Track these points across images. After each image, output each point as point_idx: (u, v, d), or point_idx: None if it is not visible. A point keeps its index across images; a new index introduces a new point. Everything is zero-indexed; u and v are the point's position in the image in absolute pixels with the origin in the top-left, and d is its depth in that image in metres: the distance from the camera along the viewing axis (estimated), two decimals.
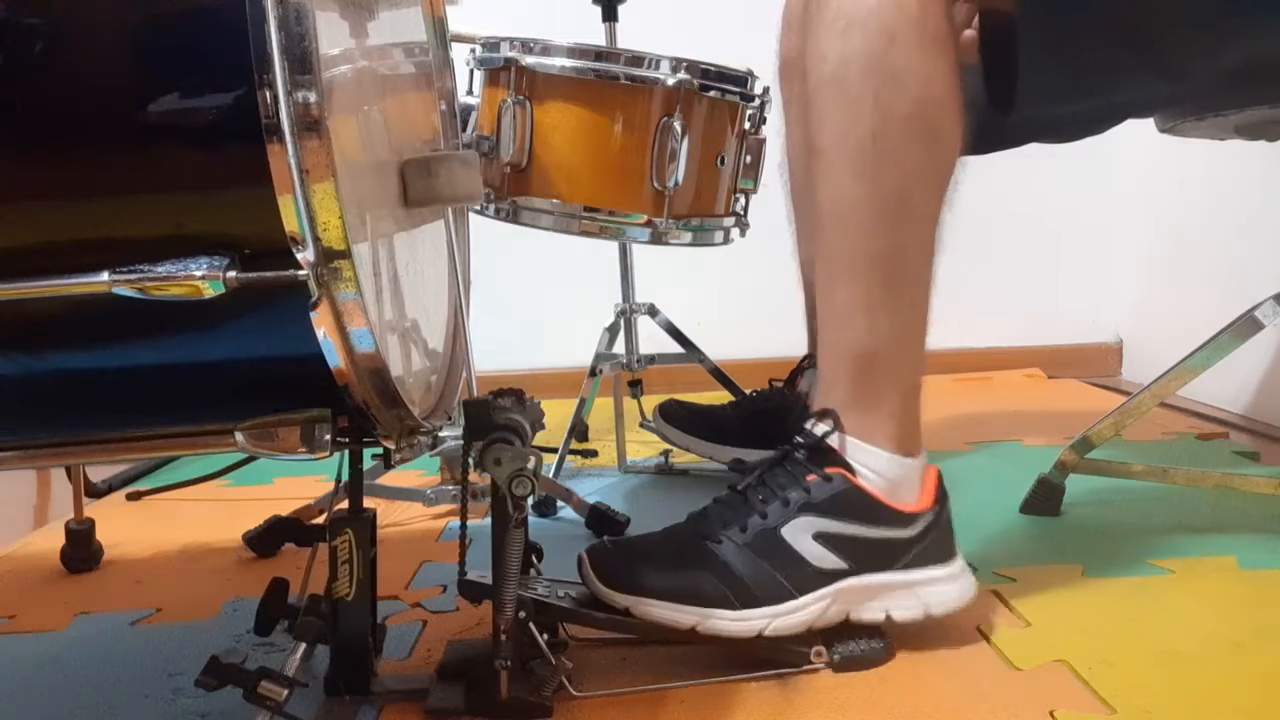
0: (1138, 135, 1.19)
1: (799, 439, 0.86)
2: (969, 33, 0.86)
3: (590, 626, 0.83)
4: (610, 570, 0.83)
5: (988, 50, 0.87)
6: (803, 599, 0.82)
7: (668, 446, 1.46)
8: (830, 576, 0.83)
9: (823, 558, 0.82)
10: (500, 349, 2.18)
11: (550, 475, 1.36)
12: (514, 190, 1.21)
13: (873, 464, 0.84)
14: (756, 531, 0.83)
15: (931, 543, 0.85)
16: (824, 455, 0.84)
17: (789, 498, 0.83)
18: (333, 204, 0.56)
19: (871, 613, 0.83)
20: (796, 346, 1.42)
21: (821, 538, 0.82)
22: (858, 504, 0.83)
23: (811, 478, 0.83)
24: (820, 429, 0.85)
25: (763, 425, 1.37)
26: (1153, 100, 1.03)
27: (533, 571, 0.85)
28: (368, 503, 0.79)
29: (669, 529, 0.88)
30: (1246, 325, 1.12)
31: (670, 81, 1.17)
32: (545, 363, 2.13)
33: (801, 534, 0.82)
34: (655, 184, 1.19)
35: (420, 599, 1.01)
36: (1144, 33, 0.88)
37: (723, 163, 1.26)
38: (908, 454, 0.85)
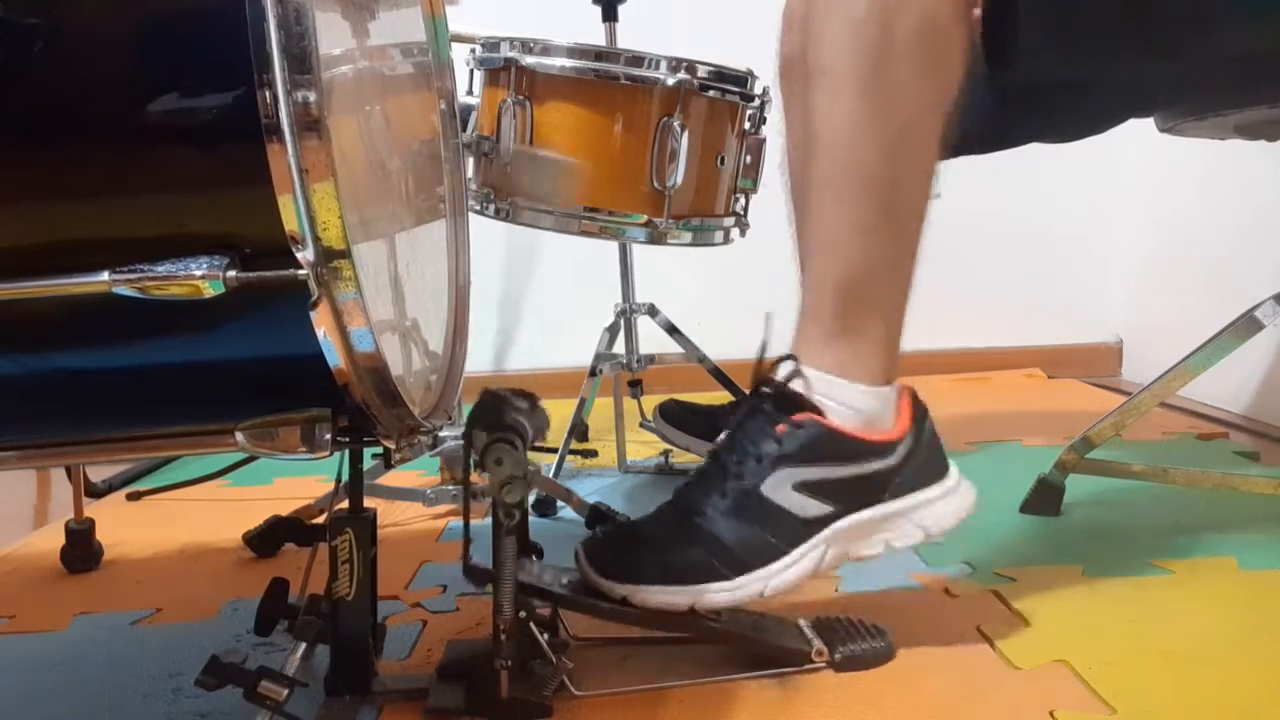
0: (1138, 135, 1.19)
1: (764, 388, 0.84)
2: (976, 12, 0.86)
3: (593, 615, 0.82)
4: (604, 561, 0.82)
5: (989, 6, 0.86)
6: (795, 552, 0.81)
7: (668, 446, 1.46)
8: (819, 524, 0.81)
9: (807, 506, 0.81)
10: (500, 349, 2.19)
11: (550, 475, 1.36)
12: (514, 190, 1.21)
13: (848, 398, 0.82)
14: (736, 495, 0.81)
15: (918, 464, 0.83)
16: (792, 402, 0.82)
17: (762, 453, 0.81)
18: (332, 203, 0.56)
19: (871, 548, 0.82)
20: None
21: (802, 487, 0.81)
22: (833, 445, 0.81)
23: (781, 428, 0.81)
24: (783, 373, 0.83)
25: None
26: (1152, 85, 1.02)
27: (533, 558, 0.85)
28: (368, 503, 0.79)
29: (657, 509, 0.86)
30: (1246, 325, 1.12)
31: (670, 81, 1.17)
32: (545, 363, 2.13)
33: (781, 487, 0.81)
34: (655, 184, 1.19)
35: (420, 599, 1.01)
36: (1144, 14, 0.87)
37: (723, 163, 1.26)
38: (887, 382, 0.84)
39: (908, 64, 0.80)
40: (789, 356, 0.84)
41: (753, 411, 0.84)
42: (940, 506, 0.84)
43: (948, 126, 0.84)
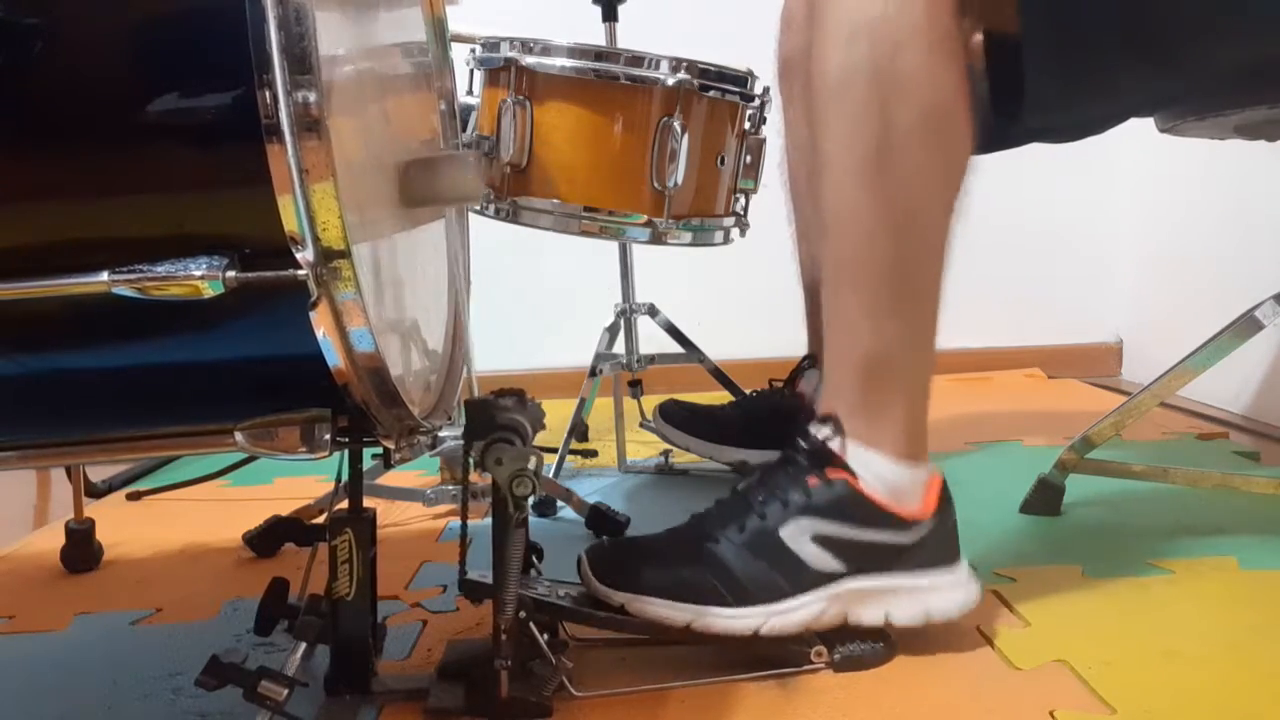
0: (1138, 135, 1.19)
1: (801, 442, 0.86)
2: (977, 37, 0.86)
3: (588, 625, 0.83)
4: (607, 568, 0.83)
5: (992, 64, 0.86)
6: (800, 598, 0.82)
7: (668, 446, 1.46)
8: (828, 578, 0.82)
9: (820, 559, 0.82)
10: (500, 349, 2.18)
11: (550, 475, 1.36)
12: (514, 190, 1.21)
13: (875, 468, 0.84)
14: (754, 531, 0.83)
15: (933, 548, 0.85)
16: (826, 458, 0.84)
17: (789, 499, 0.83)
18: (332, 204, 0.56)
19: (871, 615, 0.83)
20: (796, 346, 1.42)
21: (820, 540, 0.82)
22: (858, 507, 0.83)
23: (813, 480, 0.83)
24: (823, 432, 0.84)
25: (763, 425, 1.38)
26: (1154, 99, 1.03)
27: (533, 572, 0.85)
28: (368, 503, 0.79)
29: (670, 530, 0.88)
30: (1246, 325, 1.12)
31: (670, 81, 1.17)
32: (545, 363, 2.13)
33: (800, 535, 0.82)
34: (655, 184, 1.19)
35: (420, 599, 1.01)
36: (1145, 36, 0.87)
37: (723, 163, 1.26)
38: (912, 460, 0.85)
39: (910, 152, 0.80)
40: (830, 417, 0.85)
41: (787, 460, 0.86)
42: (946, 592, 0.85)
43: (959, 204, 0.84)
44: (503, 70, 1.20)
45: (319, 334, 0.59)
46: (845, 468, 0.83)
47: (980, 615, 0.90)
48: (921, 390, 0.87)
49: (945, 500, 0.86)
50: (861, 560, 0.83)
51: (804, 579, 0.82)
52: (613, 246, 1.49)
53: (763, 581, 0.81)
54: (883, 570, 0.83)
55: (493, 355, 2.22)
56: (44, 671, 0.90)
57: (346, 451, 0.77)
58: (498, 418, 0.75)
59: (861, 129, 0.80)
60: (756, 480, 0.86)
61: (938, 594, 0.84)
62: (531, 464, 0.73)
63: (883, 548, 0.83)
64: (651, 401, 1.49)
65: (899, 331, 0.84)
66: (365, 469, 0.80)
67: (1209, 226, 1.91)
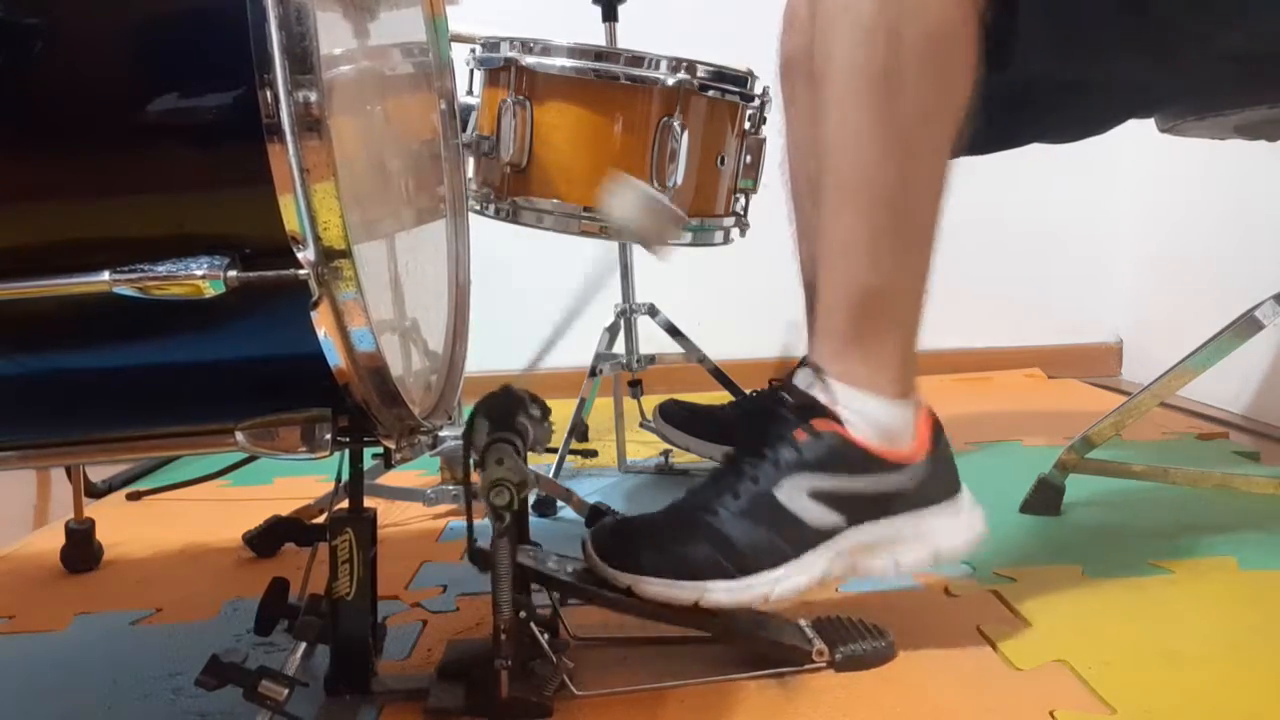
0: (1138, 135, 1.19)
1: (785, 394, 0.84)
2: None
3: (595, 604, 0.82)
4: (611, 550, 0.82)
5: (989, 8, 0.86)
6: (803, 558, 0.80)
7: (668, 446, 1.46)
8: (829, 533, 0.81)
9: (819, 515, 0.81)
10: (500, 349, 2.18)
11: (550, 475, 1.36)
12: (514, 190, 1.21)
13: (866, 410, 0.82)
14: (750, 496, 0.81)
15: (932, 484, 0.83)
16: (812, 409, 0.82)
17: (779, 458, 0.81)
18: (333, 203, 0.56)
19: (879, 564, 0.82)
20: (796, 346, 1.41)
21: (816, 495, 0.81)
22: (850, 457, 0.81)
23: (801, 435, 0.81)
24: (805, 380, 0.83)
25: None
26: (1152, 85, 1.02)
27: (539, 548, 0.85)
28: (368, 503, 0.79)
29: (669, 505, 0.86)
30: (1246, 325, 1.12)
31: (670, 81, 1.17)
32: (545, 363, 2.13)
33: (796, 493, 0.80)
34: (655, 184, 1.19)
35: (420, 599, 1.01)
36: (1142, 12, 0.87)
37: (723, 163, 1.26)
38: (904, 396, 0.83)
39: (917, 74, 0.79)
40: (808, 363, 0.83)
41: (772, 416, 0.84)
42: (951, 527, 0.84)
43: (959, 135, 0.83)
44: (503, 70, 1.20)
45: (320, 334, 0.59)
46: (833, 417, 0.82)
47: (980, 615, 0.90)
48: (914, 324, 0.85)
49: (938, 434, 0.85)
50: (861, 510, 0.81)
51: (805, 538, 0.81)
52: (613, 246, 1.49)
53: (765, 547, 0.80)
54: (884, 516, 0.82)
55: (493, 355, 2.23)
56: (44, 671, 0.90)
57: (347, 451, 0.77)
58: (516, 417, 0.74)
59: (869, 51, 0.79)
60: (742, 444, 0.84)
61: (942, 529, 0.83)
62: (517, 475, 0.72)
63: (881, 495, 0.82)
64: (651, 401, 1.49)
65: (897, 259, 0.83)
66: (365, 469, 0.80)
67: (1209, 226, 1.91)
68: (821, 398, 0.82)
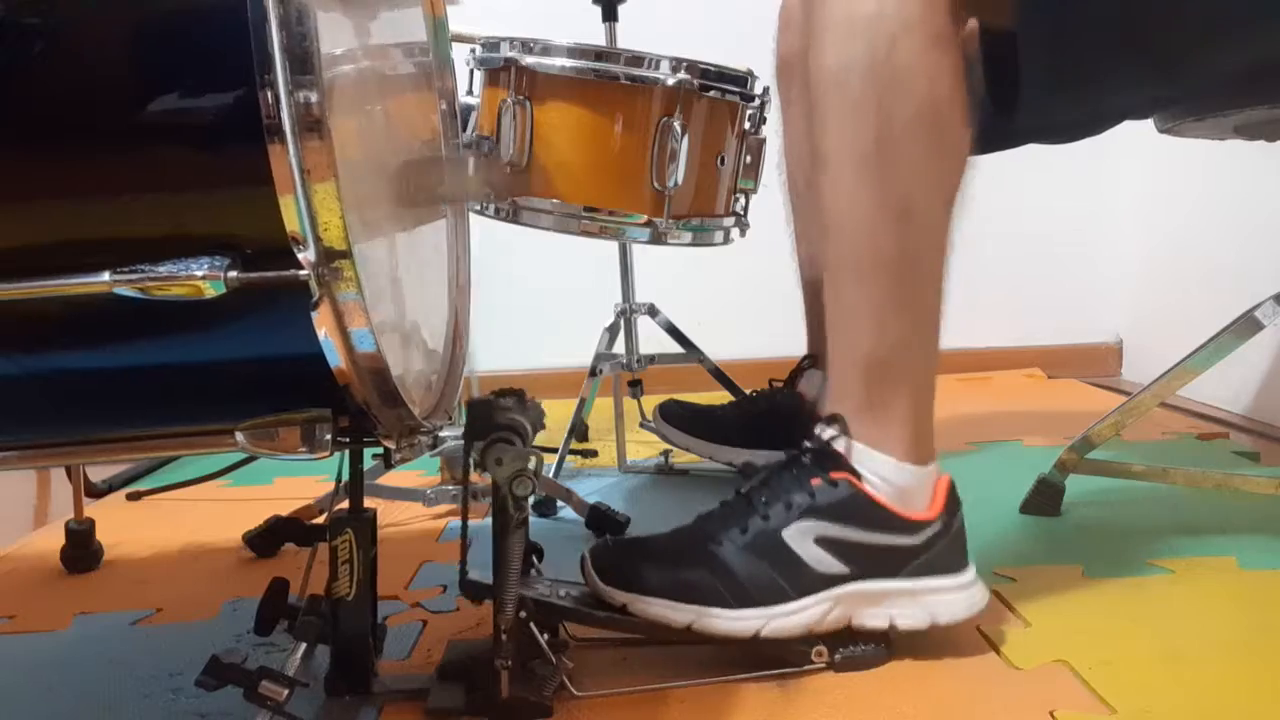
0: (1138, 136, 1.19)
1: (806, 443, 0.85)
2: (972, 24, 0.86)
3: (589, 625, 0.83)
4: (610, 568, 0.83)
5: (987, 53, 0.86)
6: (802, 601, 0.81)
7: (668, 446, 1.46)
8: (831, 580, 0.82)
9: (824, 561, 0.82)
10: (500, 349, 2.18)
11: (550, 475, 1.36)
12: (514, 190, 1.21)
13: (881, 471, 0.83)
14: (757, 533, 0.82)
15: (940, 552, 0.84)
16: (830, 460, 0.83)
17: (792, 501, 0.83)
18: (334, 204, 0.56)
19: (875, 619, 0.83)
20: (796, 346, 1.42)
21: (823, 542, 0.82)
22: (863, 509, 0.82)
23: (816, 481, 0.83)
24: (827, 433, 0.84)
25: (763, 425, 1.38)
26: (1153, 101, 1.03)
27: (533, 571, 0.85)
28: (368, 503, 0.79)
29: (674, 530, 0.87)
30: (1246, 325, 1.12)
31: (670, 81, 1.17)
32: (545, 363, 2.13)
33: (803, 537, 0.82)
34: (655, 184, 1.19)
35: (420, 599, 1.01)
36: (1144, 36, 0.87)
37: (723, 163, 1.26)
38: (919, 461, 0.85)
39: (909, 146, 0.80)
40: (836, 417, 0.84)
41: (791, 462, 0.85)
42: (953, 597, 0.84)
43: (959, 198, 0.84)
44: (503, 70, 1.20)
45: (320, 334, 0.59)
46: (849, 469, 0.83)
47: (980, 615, 0.90)
48: (926, 389, 0.87)
49: (953, 502, 0.86)
50: (866, 563, 0.82)
51: (806, 581, 0.82)
52: (613, 246, 1.49)
53: (765, 583, 0.81)
54: (888, 575, 0.83)
55: (493, 355, 2.23)
56: (44, 671, 0.90)
57: (347, 451, 0.77)
58: (498, 418, 0.75)
59: (859, 124, 0.80)
60: (760, 481, 0.86)
61: (943, 598, 0.84)
62: (531, 464, 0.73)
63: (888, 550, 0.83)
64: (651, 401, 1.49)
65: (902, 327, 0.84)
66: (365, 469, 0.80)
67: (1209, 226, 1.91)
68: (841, 450, 0.84)
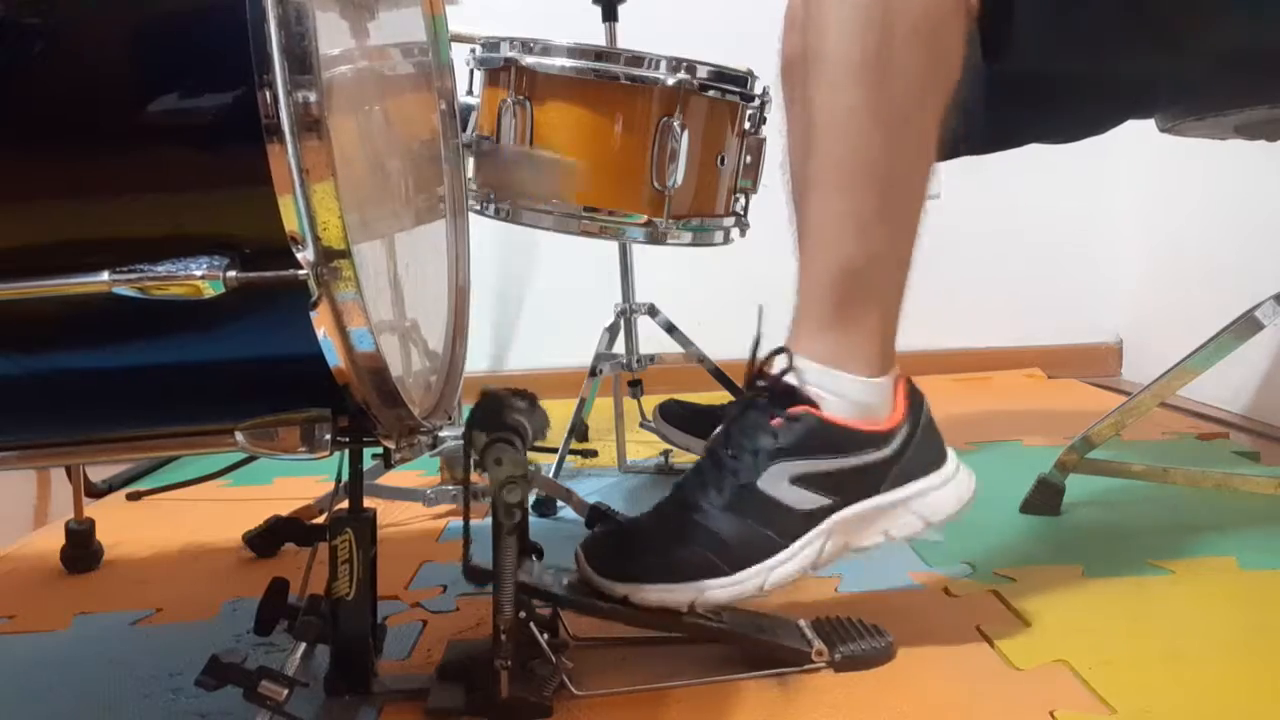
0: (1138, 136, 1.19)
1: (759, 381, 0.84)
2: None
3: (592, 615, 0.82)
4: (604, 560, 0.82)
5: (987, 24, 0.86)
6: (794, 545, 0.81)
7: (668, 446, 1.46)
8: (817, 516, 0.81)
9: (805, 499, 0.81)
10: (500, 349, 2.19)
11: (550, 475, 1.36)
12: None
13: (844, 390, 0.82)
14: (733, 490, 0.81)
15: (916, 453, 0.83)
16: (786, 395, 0.82)
17: (758, 447, 0.81)
18: (332, 204, 0.56)
19: (871, 538, 0.82)
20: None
21: (799, 480, 0.81)
22: (829, 437, 0.81)
23: (777, 421, 0.81)
24: (778, 366, 0.83)
25: None
26: (1152, 84, 1.02)
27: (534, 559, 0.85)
28: (368, 503, 0.79)
29: (655, 508, 0.86)
30: (1246, 325, 1.12)
31: (670, 81, 1.17)
32: (545, 363, 2.13)
33: (778, 481, 0.81)
34: (655, 184, 1.19)
35: (420, 599, 1.01)
36: (1146, 7, 0.87)
37: (723, 162, 1.26)
38: (882, 373, 0.84)
39: (909, 52, 0.80)
40: (782, 350, 0.83)
41: (748, 406, 0.84)
42: (939, 495, 0.84)
43: (946, 119, 0.83)
44: (503, 70, 1.20)
45: (319, 334, 0.59)
46: (806, 400, 0.82)
47: (980, 615, 0.90)
48: (896, 303, 0.85)
49: (915, 398, 0.85)
50: (846, 489, 0.81)
51: (793, 524, 0.81)
52: (613, 246, 1.49)
53: (754, 540, 0.80)
54: (872, 492, 0.82)
55: (493, 355, 2.23)
56: (44, 671, 0.90)
57: (346, 451, 0.77)
58: (506, 416, 0.74)
59: (862, 30, 0.80)
60: (722, 435, 0.84)
61: (930, 497, 0.83)
62: (519, 469, 0.72)
63: (863, 469, 0.82)
64: (651, 401, 1.49)
65: (882, 237, 0.83)
66: (365, 469, 0.80)
67: (1209, 226, 1.91)
68: (794, 382, 0.82)
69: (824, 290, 0.84)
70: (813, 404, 0.82)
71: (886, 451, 0.82)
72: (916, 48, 0.80)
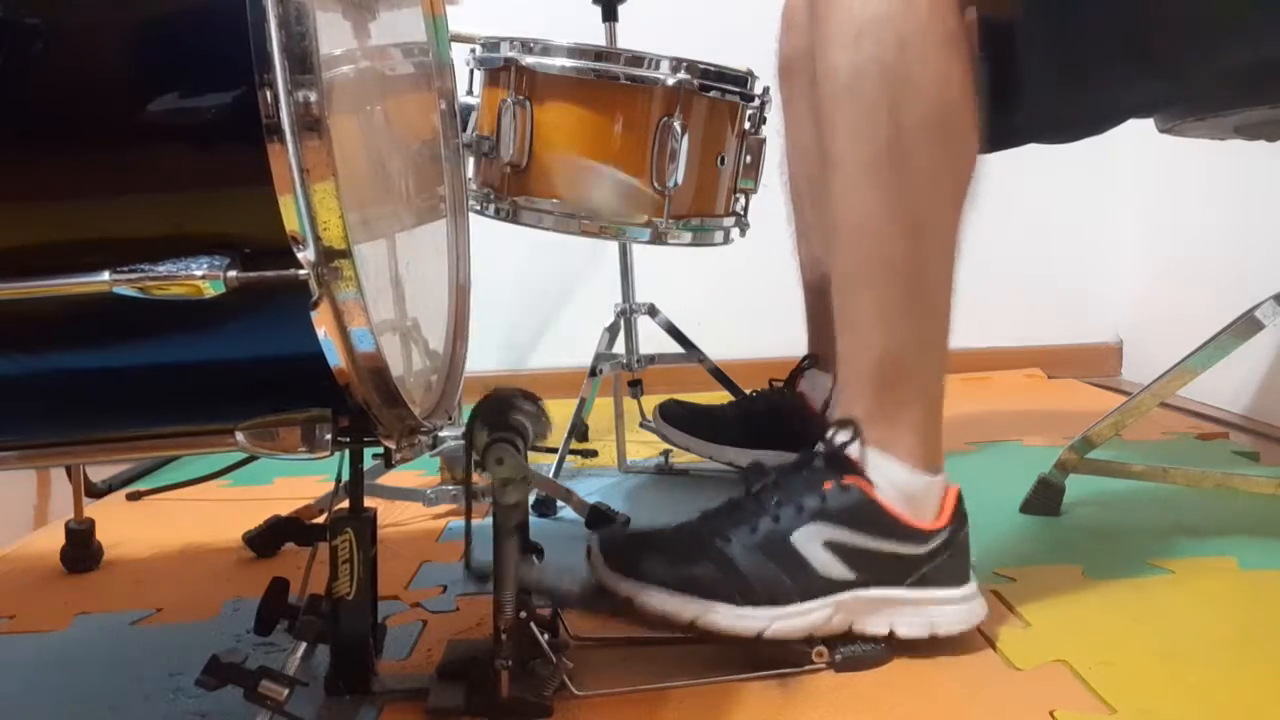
0: (1138, 135, 1.19)
1: (819, 446, 0.85)
2: (971, 14, 0.86)
3: (591, 613, 0.82)
4: (617, 555, 0.82)
5: (989, 51, 0.86)
6: (806, 604, 0.81)
7: (668, 446, 1.46)
8: (837, 586, 0.82)
9: (831, 566, 0.82)
10: (500, 349, 2.19)
11: (550, 475, 1.36)
12: (514, 190, 1.21)
13: (893, 477, 0.83)
14: (766, 533, 0.82)
15: (945, 562, 0.84)
16: (843, 464, 0.83)
17: (803, 504, 0.82)
18: (333, 203, 0.56)
19: (876, 626, 0.83)
20: (796, 346, 1.42)
21: (832, 546, 0.82)
22: (872, 516, 0.82)
23: (828, 485, 0.83)
24: (840, 438, 0.84)
25: (763, 425, 1.38)
26: (1153, 100, 1.03)
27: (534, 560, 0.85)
28: (368, 503, 0.79)
29: (681, 524, 0.87)
30: (1246, 325, 1.12)
31: (670, 81, 1.17)
32: (545, 363, 2.13)
33: (812, 541, 0.82)
34: (655, 184, 1.19)
35: (420, 599, 1.01)
36: (1145, 35, 0.87)
37: (723, 163, 1.26)
38: (929, 469, 0.85)
39: (921, 150, 0.80)
40: (850, 421, 0.84)
41: (803, 464, 0.85)
42: (953, 610, 0.84)
43: (967, 201, 0.84)
44: (503, 70, 1.20)
45: (320, 334, 0.59)
46: (862, 475, 0.83)
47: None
48: (936, 395, 0.86)
49: (960, 513, 0.86)
50: (872, 570, 0.82)
51: (813, 585, 0.82)
52: (613, 246, 1.49)
53: (771, 584, 0.81)
54: (893, 583, 0.83)
55: (493, 355, 2.23)
56: (44, 671, 0.90)
57: (347, 451, 0.77)
58: (511, 416, 0.75)
59: (871, 129, 0.80)
60: (771, 482, 0.86)
61: (944, 610, 0.84)
62: (519, 471, 0.72)
63: (895, 558, 0.83)
64: (651, 401, 1.49)
65: (913, 331, 0.84)
66: (365, 469, 0.80)
67: (1209, 226, 1.91)
68: (855, 455, 0.83)
69: (862, 382, 0.85)
70: (867, 480, 0.83)
71: (921, 550, 0.83)
72: (927, 141, 0.80)
